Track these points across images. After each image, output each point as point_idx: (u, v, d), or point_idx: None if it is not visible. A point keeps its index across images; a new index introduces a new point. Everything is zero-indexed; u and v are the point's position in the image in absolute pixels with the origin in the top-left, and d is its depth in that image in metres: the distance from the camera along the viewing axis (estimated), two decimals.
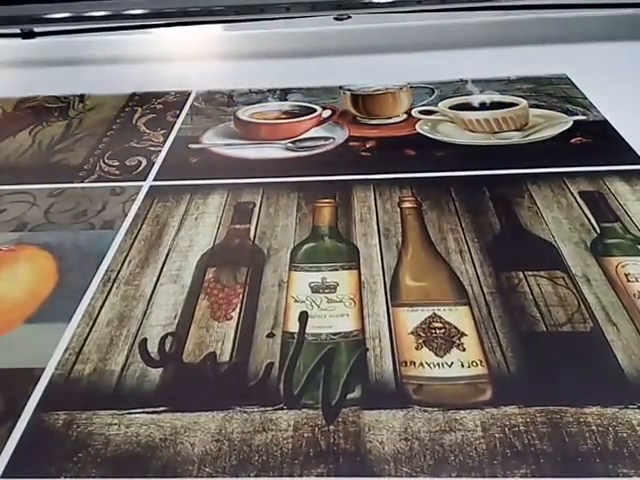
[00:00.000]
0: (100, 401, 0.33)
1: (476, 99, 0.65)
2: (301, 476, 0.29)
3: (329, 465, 0.29)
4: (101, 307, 0.40)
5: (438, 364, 0.34)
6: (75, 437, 0.31)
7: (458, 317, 0.37)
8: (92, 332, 0.38)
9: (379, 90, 0.67)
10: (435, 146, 0.57)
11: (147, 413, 0.32)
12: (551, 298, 0.38)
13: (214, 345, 0.36)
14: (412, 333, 0.36)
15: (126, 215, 0.49)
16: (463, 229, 0.45)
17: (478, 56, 0.78)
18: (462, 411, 0.31)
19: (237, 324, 0.38)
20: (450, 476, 0.28)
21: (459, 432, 0.30)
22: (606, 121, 0.59)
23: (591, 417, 0.31)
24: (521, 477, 0.28)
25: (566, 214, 0.46)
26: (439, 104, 0.64)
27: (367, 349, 0.35)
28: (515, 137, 0.58)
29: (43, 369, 0.35)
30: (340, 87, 0.69)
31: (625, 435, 0.30)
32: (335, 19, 0.84)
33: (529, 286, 0.39)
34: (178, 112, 0.67)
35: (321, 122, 0.63)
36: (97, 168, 0.57)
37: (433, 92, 0.67)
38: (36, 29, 0.86)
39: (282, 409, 0.32)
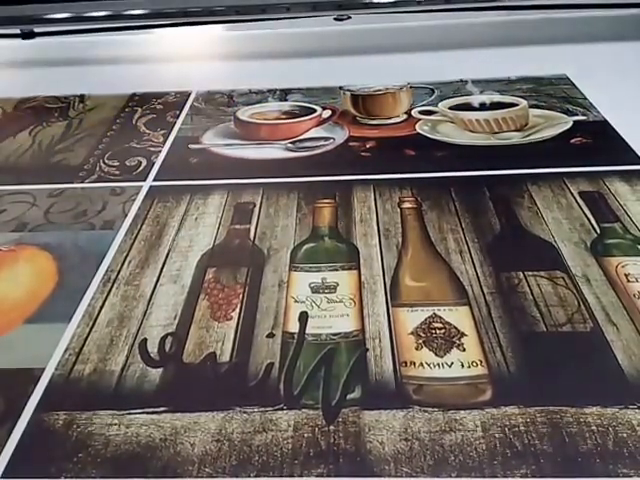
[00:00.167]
0: (100, 401, 0.33)
1: (476, 99, 0.65)
2: (301, 476, 0.29)
3: (329, 465, 0.29)
4: (101, 307, 0.40)
5: (438, 364, 0.34)
6: (75, 437, 0.31)
7: (458, 317, 0.37)
8: (92, 332, 0.38)
9: (379, 90, 0.67)
10: (435, 146, 0.57)
11: (147, 413, 0.32)
12: (551, 298, 0.38)
13: (214, 345, 0.36)
14: (412, 333, 0.36)
15: (126, 215, 0.49)
16: (463, 229, 0.45)
17: (478, 56, 0.78)
18: (462, 411, 0.31)
19: (237, 324, 0.38)
20: (450, 476, 0.28)
21: (459, 432, 0.30)
22: (606, 121, 0.59)
23: (591, 417, 0.31)
24: (521, 477, 0.28)
25: (566, 214, 0.46)
26: (439, 104, 0.64)
27: (367, 349, 0.35)
28: (515, 137, 0.58)
29: (43, 369, 0.35)
30: (340, 87, 0.69)
31: (625, 435, 0.30)
32: (335, 19, 0.84)
33: (529, 286, 0.39)
34: (178, 112, 0.67)
35: (321, 122, 0.63)
36: (97, 168, 0.57)
37: (433, 92, 0.67)
38: (36, 29, 0.86)
39: (282, 409, 0.32)
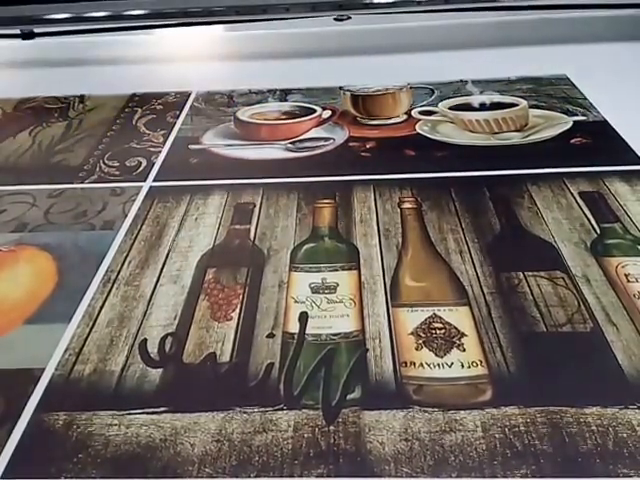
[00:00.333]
0: (100, 402, 0.33)
1: (476, 99, 0.65)
2: (301, 476, 0.29)
3: (329, 465, 0.29)
4: (101, 308, 0.40)
5: (438, 364, 0.34)
6: (75, 438, 0.31)
7: (458, 317, 0.37)
8: (92, 333, 0.38)
9: (379, 91, 0.67)
10: (435, 146, 0.57)
11: (147, 414, 0.32)
12: (551, 298, 0.38)
13: (214, 345, 0.36)
14: (412, 333, 0.36)
15: (126, 216, 0.49)
16: (463, 229, 0.45)
17: (478, 56, 0.78)
18: (462, 411, 0.31)
19: (237, 324, 0.38)
20: (450, 476, 0.28)
21: (459, 432, 0.30)
22: (606, 121, 0.59)
23: (591, 417, 0.31)
24: (521, 477, 0.28)
25: (566, 214, 0.46)
26: (439, 104, 0.64)
27: (367, 349, 0.35)
28: (515, 137, 0.58)
29: (43, 370, 0.35)
30: (340, 87, 0.69)
31: (625, 435, 0.30)
32: (335, 20, 0.84)
33: (529, 286, 0.39)
34: (178, 113, 0.67)
35: (321, 123, 0.63)
36: (97, 169, 0.57)
37: (433, 93, 0.67)
38: (36, 30, 0.86)
39: (282, 409, 0.32)
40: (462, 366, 0.34)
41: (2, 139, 0.64)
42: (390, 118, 0.63)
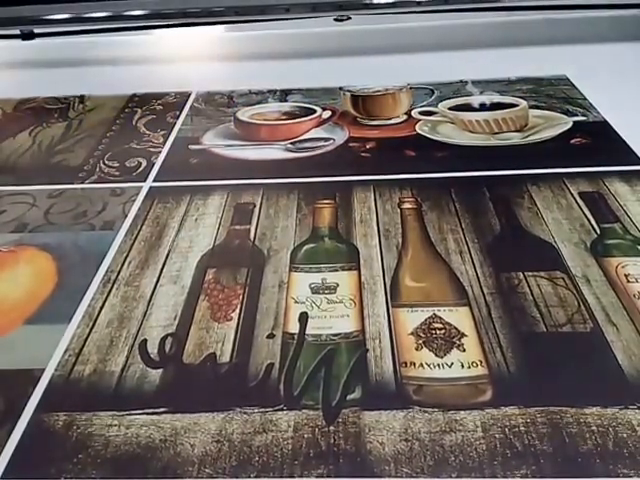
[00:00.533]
0: (100, 402, 0.33)
1: (476, 100, 0.65)
2: (301, 477, 0.29)
3: (329, 466, 0.29)
4: (101, 308, 0.40)
5: (438, 365, 0.34)
6: (75, 438, 0.31)
7: (458, 318, 0.37)
8: (92, 333, 0.38)
9: (379, 91, 0.67)
10: (435, 147, 0.57)
11: (147, 414, 0.32)
12: (551, 299, 0.38)
13: (214, 346, 0.36)
14: (412, 334, 0.36)
15: (126, 216, 0.49)
16: (463, 230, 0.45)
17: (478, 57, 0.78)
18: (462, 412, 0.31)
19: (237, 325, 0.38)
20: (450, 477, 0.28)
21: (459, 433, 0.30)
22: (606, 122, 0.59)
23: (591, 417, 0.31)
24: (521, 477, 0.28)
25: (566, 215, 0.46)
26: (439, 105, 0.64)
27: (367, 350, 0.35)
28: (515, 138, 0.58)
29: (43, 370, 0.35)
30: (340, 88, 0.69)
31: (625, 435, 0.30)
32: (335, 20, 0.84)
33: (529, 287, 0.39)
34: (178, 113, 0.67)
35: (321, 123, 0.63)
36: (97, 169, 0.57)
37: (433, 93, 0.67)
38: (36, 30, 0.86)
39: (282, 410, 0.32)
40: (462, 366, 0.34)
41: (2, 139, 0.64)
42: (390, 118, 0.63)
